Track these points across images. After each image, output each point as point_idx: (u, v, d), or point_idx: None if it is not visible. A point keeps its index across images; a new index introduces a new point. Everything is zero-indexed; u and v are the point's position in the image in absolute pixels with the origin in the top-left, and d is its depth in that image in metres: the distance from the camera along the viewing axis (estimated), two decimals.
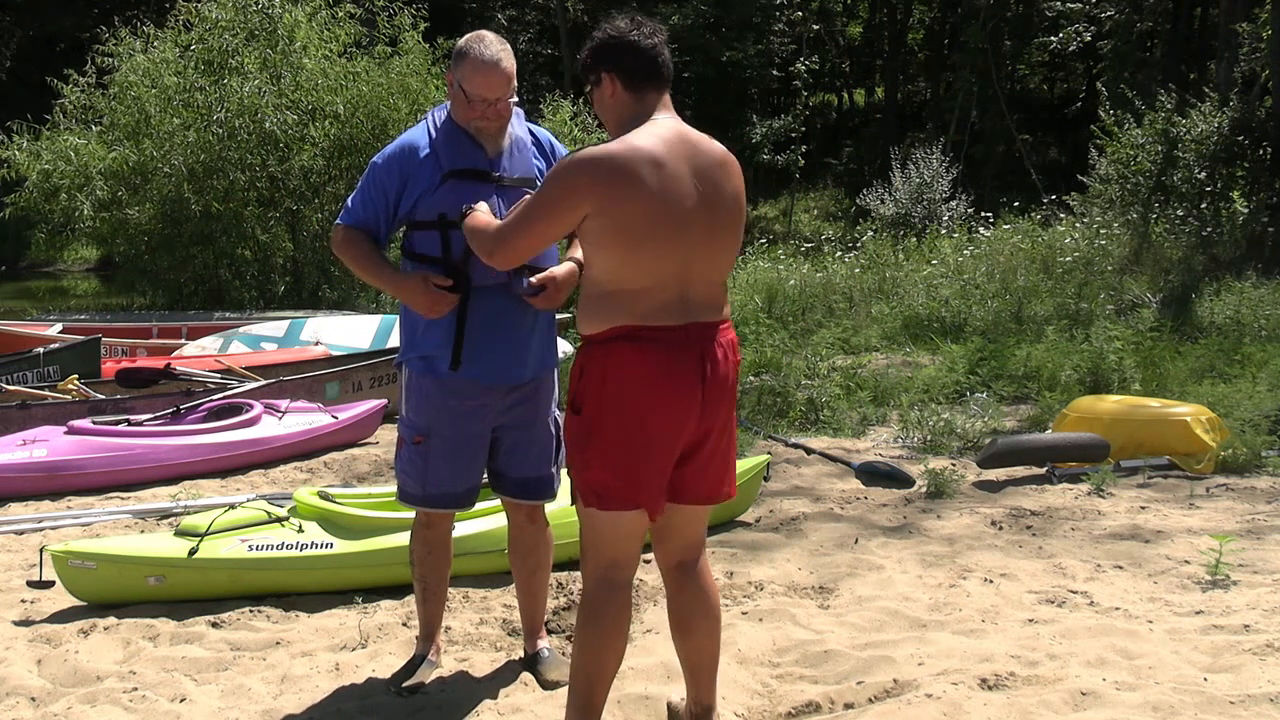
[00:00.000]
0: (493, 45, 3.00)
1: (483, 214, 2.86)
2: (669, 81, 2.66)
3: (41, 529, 5.04)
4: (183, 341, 10.28)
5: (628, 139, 2.53)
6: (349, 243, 3.11)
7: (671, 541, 2.72)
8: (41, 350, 7.88)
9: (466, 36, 3.05)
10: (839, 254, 14.35)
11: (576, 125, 15.05)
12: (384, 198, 3.07)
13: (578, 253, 3.06)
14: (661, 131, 2.56)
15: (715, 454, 2.66)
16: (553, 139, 3.28)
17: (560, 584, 4.09)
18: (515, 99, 3.10)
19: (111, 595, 3.92)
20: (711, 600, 2.73)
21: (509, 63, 3.01)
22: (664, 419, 2.51)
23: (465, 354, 3.04)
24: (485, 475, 3.24)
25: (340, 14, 15.80)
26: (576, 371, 2.59)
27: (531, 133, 3.21)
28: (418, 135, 3.11)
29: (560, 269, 3.03)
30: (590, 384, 2.54)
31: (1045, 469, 5.75)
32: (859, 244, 14.78)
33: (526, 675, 3.29)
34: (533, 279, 2.97)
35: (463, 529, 3.97)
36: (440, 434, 3.09)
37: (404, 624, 3.71)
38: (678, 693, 3.02)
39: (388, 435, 7.11)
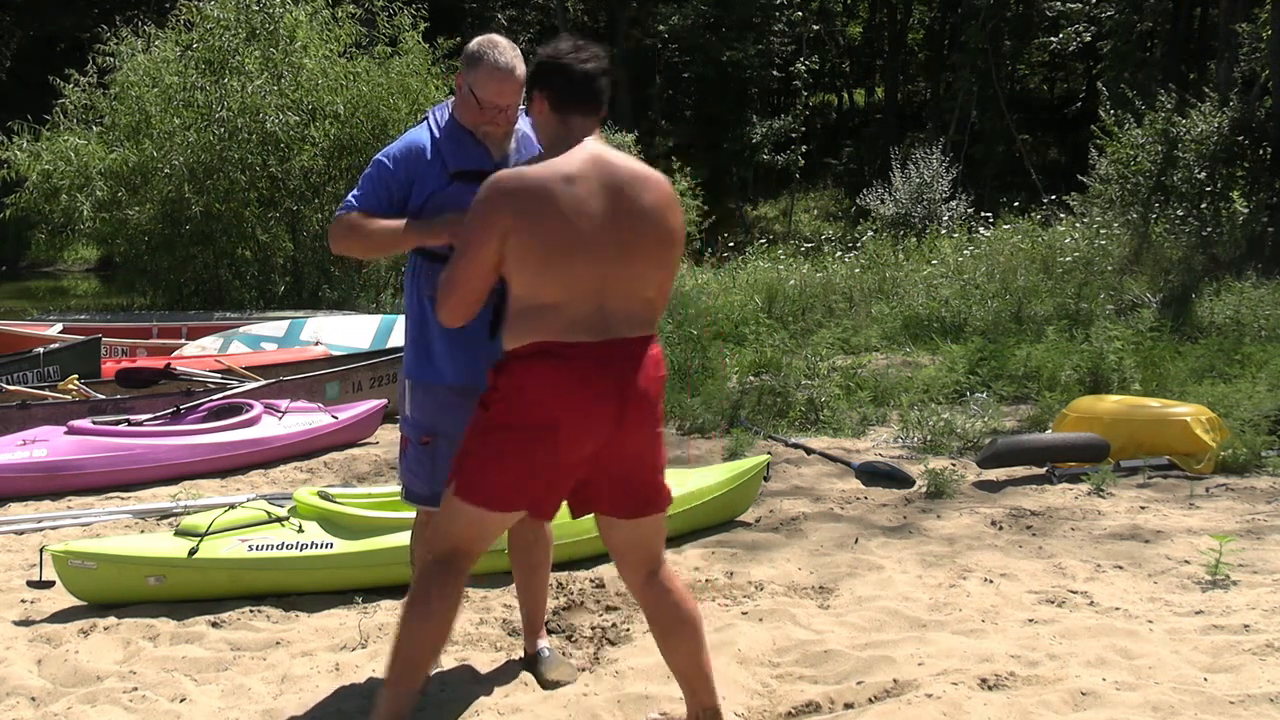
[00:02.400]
0: (507, 52, 2.98)
1: None
2: (599, 109, 2.70)
3: (41, 529, 5.04)
4: (183, 341, 10.29)
5: (545, 163, 2.61)
6: (356, 224, 3.03)
7: (633, 555, 2.76)
8: (41, 350, 7.88)
9: (479, 40, 3.03)
10: (839, 254, 14.35)
11: None
12: (388, 194, 3.04)
13: None
14: (576, 152, 2.62)
15: (643, 468, 2.67)
16: None
17: (560, 584, 4.09)
18: (522, 106, 3.09)
19: (111, 595, 3.91)
20: (687, 607, 2.75)
21: (522, 70, 2.99)
22: (573, 434, 2.54)
23: (467, 353, 3.05)
24: None
25: (340, 14, 15.80)
26: (492, 377, 2.64)
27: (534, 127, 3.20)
28: (422, 135, 3.09)
29: None
30: (506, 391, 2.58)
31: (1045, 469, 5.75)
32: (859, 244, 14.78)
33: (526, 675, 3.29)
34: None
35: None
36: (447, 433, 3.08)
37: None
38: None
39: (388, 435, 7.11)
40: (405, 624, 2.65)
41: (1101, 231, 13.57)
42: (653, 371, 2.63)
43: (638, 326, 2.60)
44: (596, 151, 2.63)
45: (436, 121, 3.11)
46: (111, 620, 3.77)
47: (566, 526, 4.14)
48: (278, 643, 3.59)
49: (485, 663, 3.41)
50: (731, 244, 16.34)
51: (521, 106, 3.16)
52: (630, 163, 2.66)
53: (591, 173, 2.58)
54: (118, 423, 6.04)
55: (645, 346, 2.62)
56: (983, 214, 17.00)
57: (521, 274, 2.57)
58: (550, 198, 2.54)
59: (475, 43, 3.03)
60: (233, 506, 4.26)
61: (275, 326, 10.16)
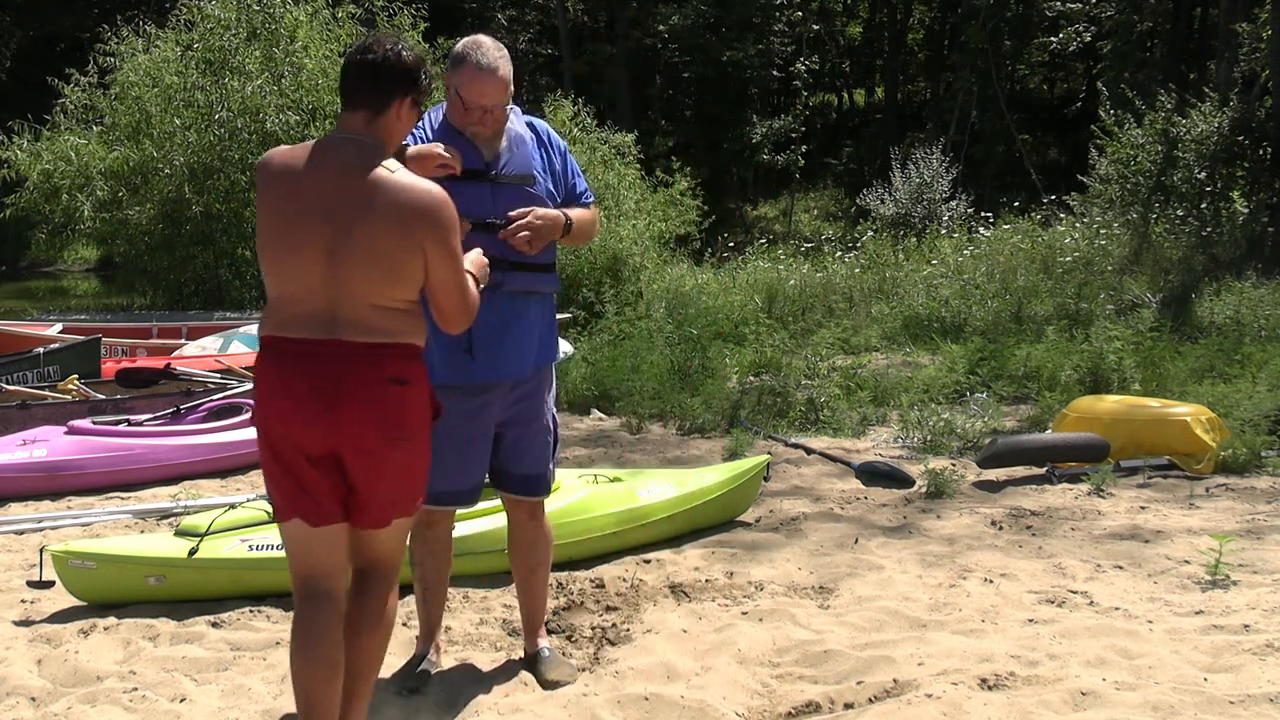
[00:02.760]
0: (490, 52, 2.98)
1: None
2: (360, 102, 2.57)
3: (41, 529, 5.04)
4: (183, 341, 10.28)
5: (295, 149, 2.58)
6: None
7: (354, 548, 2.67)
8: (41, 350, 7.89)
9: (464, 41, 3.04)
10: (839, 254, 14.35)
11: (576, 125, 15.04)
12: None
13: (573, 211, 3.15)
14: (322, 143, 2.57)
15: (370, 481, 2.55)
16: (550, 130, 3.28)
17: (560, 584, 4.09)
18: (509, 107, 3.08)
19: (111, 595, 3.91)
20: (374, 621, 2.64)
21: (505, 70, 2.99)
22: (285, 431, 2.51)
23: (462, 352, 3.05)
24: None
25: (340, 14, 15.81)
26: None
27: (530, 126, 3.20)
28: (416, 135, 3.11)
29: (542, 210, 3.05)
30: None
31: (1045, 469, 5.75)
32: (859, 244, 14.78)
33: (526, 675, 3.29)
34: (510, 213, 3.02)
35: (463, 529, 3.97)
36: (444, 431, 3.08)
37: (404, 624, 3.70)
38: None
39: None
40: (292, 666, 2.58)
41: (1101, 231, 13.58)
42: (372, 377, 2.49)
43: (365, 332, 2.49)
44: (342, 149, 2.54)
45: (431, 122, 3.12)
46: (111, 620, 3.77)
47: (566, 527, 4.16)
48: (278, 643, 3.59)
49: (485, 663, 3.41)
50: (731, 244, 16.34)
51: (514, 106, 3.17)
52: (376, 167, 2.51)
53: (326, 169, 2.51)
54: (118, 423, 6.04)
55: (371, 351, 2.49)
56: (983, 214, 17.00)
57: (260, 259, 2.61)
58: (279, 186, 2.53)
59: (460, 43, 3.03)
60: (233, 506, 4.26)
61: None
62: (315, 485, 2.53)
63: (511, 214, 3.01)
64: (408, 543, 3.34)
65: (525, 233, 2.99)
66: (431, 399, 2.65)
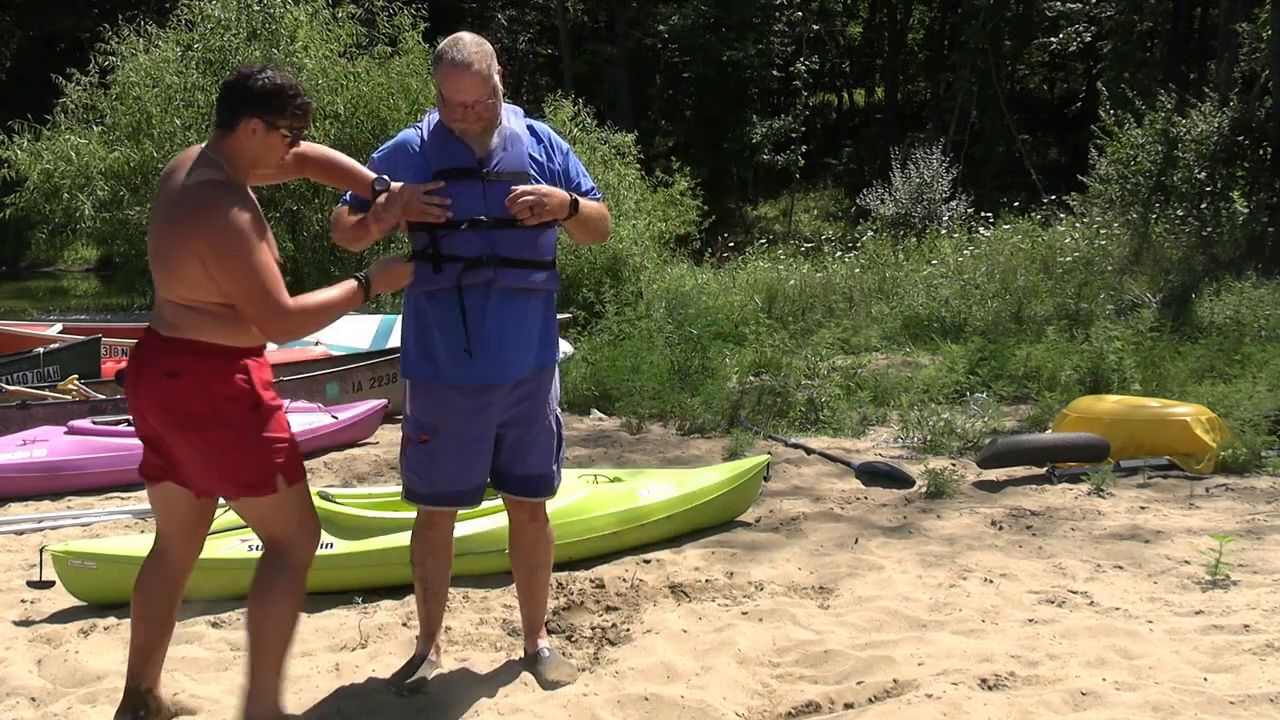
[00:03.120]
0: (467, 48, 2.95)
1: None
2: (217, 121, 2.82)
3: (41, 529, 5.04)
4: None
5: (190, 151, 2.85)
6: (338, 215, 3.16)
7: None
8: (41, 350, 7.89)
9: (447, 39, 3.03)
10: (839, 254, 14.36)
11: (576, 125, 15.03)
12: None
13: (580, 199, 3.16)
14: (179, 156, 2.85)
15: (183, 456, 2.78)
16: (551, 132, 3.26)
17: (560, 584, 4.09)
18: (493, 102, 3.06)
19: (111, 595, 3.91)
20: (260, 591, 2.83)
21: (482, 65, 2.95)
22: (130, 405, 2.89)
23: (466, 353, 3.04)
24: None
25: (341, 14, 15.79)
26: None
27: (531, 129, 3.19)
28: (411, 135, 3.13)
29: (551, 189, 3.05)
30: None
31: (1045, 469, 5.76)
32: (859, 244, 14.79)
33: (526, 675, 3.29)
34: (516, 187, 3.01)
35: (463, 529, 3.96)
36: (446, 432, 3.09)
37: (404, 624, 3.71)
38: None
39: (388, 435, 7.11)
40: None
41: (1101, 231, 13.58)
42: (156, 368, 2.73)
43: (164, 326, 2.75)
44: (182, 161, 2.79)
45: (429, 123, 3.13)
46: (111, 620, 3.77)
47: (566, 527, 4.16)
48: None
49: (485, 663, 3.41)
50: (731, 244, 16.34)
51: (515, 107, 3.16)
52: (186, 176, 2.73)
53: (176, 176, 2.77)
54: (118, 423, 6.03)
55: (162, 344, 2.73)
56: (983, 214, 17.00)
57: None
58: (159, 188, 2.84)
59: (443, 42, 3.02)
60: None
61: None
62: (153, 451, 2.85)
63: (515, 188, 3.00)
64: (408, 543, 3.36)
65: (530, 198, 2.98)
66: (245, 393, 2.76)
